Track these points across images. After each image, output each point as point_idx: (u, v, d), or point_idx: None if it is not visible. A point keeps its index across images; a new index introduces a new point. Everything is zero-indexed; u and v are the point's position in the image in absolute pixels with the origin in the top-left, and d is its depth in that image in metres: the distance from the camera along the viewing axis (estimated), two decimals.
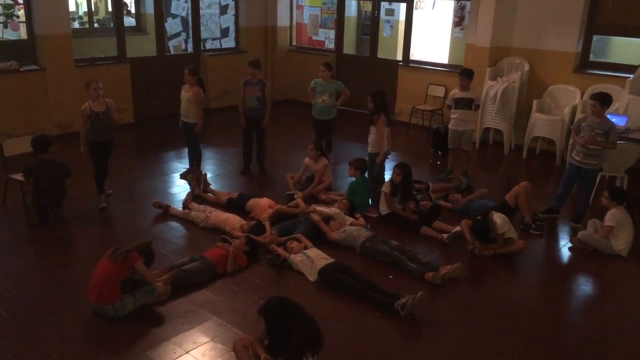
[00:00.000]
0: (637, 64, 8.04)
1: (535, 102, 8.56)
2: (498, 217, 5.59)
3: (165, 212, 6.31)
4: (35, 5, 8.38)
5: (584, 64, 8.69)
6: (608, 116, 6.26)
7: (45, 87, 8.57)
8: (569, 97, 8.43)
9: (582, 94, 8.25)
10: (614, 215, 5.63)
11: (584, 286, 5.30)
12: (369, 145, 6.46)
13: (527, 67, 8.77)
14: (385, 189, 6.22)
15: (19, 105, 8.36)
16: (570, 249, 5.85)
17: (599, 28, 8.59)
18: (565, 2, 8.42)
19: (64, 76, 8.71)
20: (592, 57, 8.75)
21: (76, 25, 11.39)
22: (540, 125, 8.46)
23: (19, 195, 6.11)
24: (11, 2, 9.25)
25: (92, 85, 6.18)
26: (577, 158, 6.15)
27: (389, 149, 6.50)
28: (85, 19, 11.74)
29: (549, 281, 5.39)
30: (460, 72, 7.49)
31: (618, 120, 7.20)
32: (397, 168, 6.19)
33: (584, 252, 5.73)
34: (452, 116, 7.48)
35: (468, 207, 6.46)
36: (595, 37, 8.69)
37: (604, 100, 5.92)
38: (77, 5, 11.77)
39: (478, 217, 5.59)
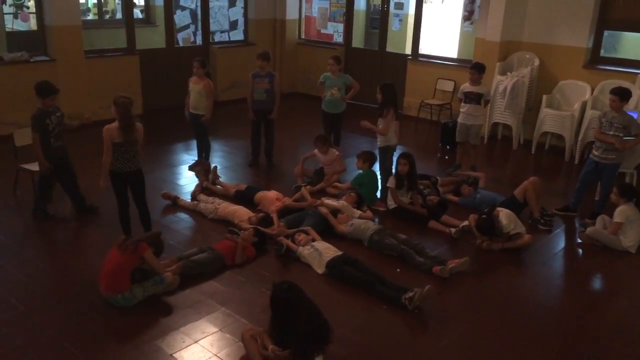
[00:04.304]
0: None
1: (545, 97, 8.52)
2: (504, 217, 5.56)
3: (174, 204, 6.35)
4: None
5: (594, 60, 8.64)
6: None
7: (55, 78, 8.51)
8: (579, 93, 8.39)
9: (593, 90, 8.21)
10: (623, 211, 5.62)
11: (592, 282, 5.30)
12: (379, 140, 6.46)
13: (537, 62, 8.73)
14: (390, 184, 6.18)
15: (29, 95, 8.30)
16: (578, 244, 5.85)
17: (610, 23, 8.54)
18: None
19: (74, 67, 8.75)
20: (602, 53, 8.70)
21: (90, 16, 11.43)
22: (550, 120, 8.42)
23: (30, 185, 6.15)
24: None
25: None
26: (596, 153, 6.12)
27: (397, 143, 6.49)
28: (95, 10, 11.78)
29: (556, 276, 5.39)
30: (471, 65, 7.47)
31: None
32: (402, 158, 6.13)
33: (593, 248, 5.72)
34: (461, 110, 7.46)
35: (475, 199, 6.46)
36: (606, 33, 8.63)
37: (623, 94, 5.92)
38: None
39: (483, 215, 5.60)
